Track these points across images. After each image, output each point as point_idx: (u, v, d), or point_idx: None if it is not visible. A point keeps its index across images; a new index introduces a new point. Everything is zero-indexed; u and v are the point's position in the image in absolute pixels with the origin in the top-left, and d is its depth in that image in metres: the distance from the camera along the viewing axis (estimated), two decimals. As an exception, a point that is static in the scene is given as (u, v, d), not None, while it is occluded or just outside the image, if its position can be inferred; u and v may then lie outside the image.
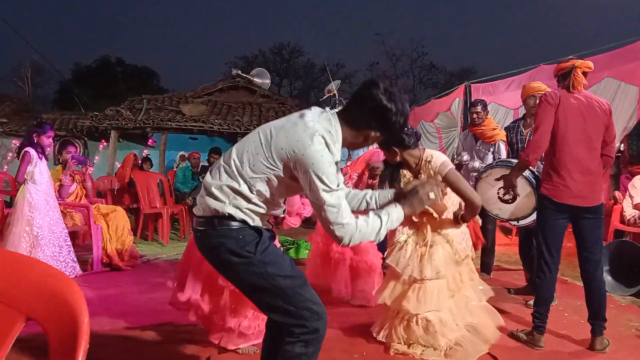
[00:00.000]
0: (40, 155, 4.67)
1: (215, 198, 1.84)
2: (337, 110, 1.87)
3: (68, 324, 0.98)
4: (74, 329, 0.97)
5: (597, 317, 3.06)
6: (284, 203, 2.09)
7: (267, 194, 1.83)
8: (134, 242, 5.54)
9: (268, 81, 13.13)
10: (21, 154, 4.59)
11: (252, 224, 1.85)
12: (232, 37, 66.95)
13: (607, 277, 4.31)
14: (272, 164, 1.78)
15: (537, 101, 3.98)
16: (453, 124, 11.35)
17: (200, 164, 8.10)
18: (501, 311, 3.78)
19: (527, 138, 4.12)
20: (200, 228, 1.90)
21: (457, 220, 2.86)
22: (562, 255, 3.19)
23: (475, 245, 3.39)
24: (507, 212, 3.71)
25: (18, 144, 4.95)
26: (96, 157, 12.00)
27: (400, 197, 2.01)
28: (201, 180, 7.67)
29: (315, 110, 1.85)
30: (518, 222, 3.78)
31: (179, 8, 75.63)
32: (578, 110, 3.00)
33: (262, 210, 1.86)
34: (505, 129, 4.56)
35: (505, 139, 4.58)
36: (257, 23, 68.19)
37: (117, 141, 10.60)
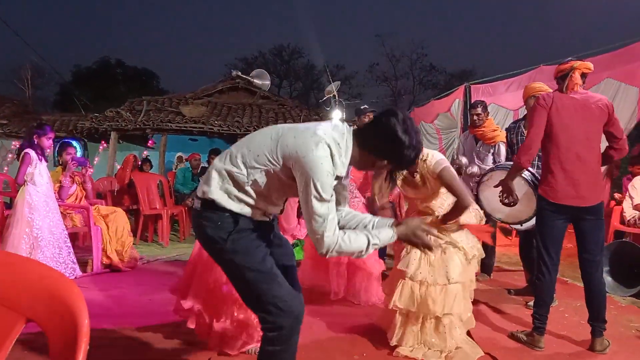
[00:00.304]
0: (40, 156, 4.67)
1: (210, 181, 1.92)
2: (353, 127, 1.89)
3: (68, 326, 0.98)
4: (74, 330, 0.97)
5: (597, 318, 3.06)
6: (284, 204, 2.09)
7: (262, 187, 1.87)
8: (133, 244, 5.53)
9: (268, 82, 13.14)
10: (21, 156, 4.59)
11: (236, 211, 1.89)
12: (231, 38, 67.08)
13: (607, 278, 4.31)
14: (274, 159, 1.81)
15: None
16: (453, 125, 11.35)
17: (200, 165, 8.10)
18: (501, 312, 3.80)
19: (527, 139, 4.12)
20: (194, 207, 2.02)
21: (443, 220, 2.88)
22: (562, 256, 3.19)
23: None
24: (510, 216, 3.70)
25: (18, 145, 4.95)
26: (96, 159, 12.00)
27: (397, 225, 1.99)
28: (200, 181, 7.67)
29: (332, 122, 1.89)
30: (522, 225, 3.77)
31: (178, 9, 75.72)
32: (573, 110, 3.00)
33: (251, 202, 1.89)
34: (506, 130, 4.56)
35: (505, 140, 4.57)
36: (256, 24, 68.26)
37: (117, 142, 10.60)
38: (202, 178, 2.01)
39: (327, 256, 1.82)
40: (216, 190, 1.89)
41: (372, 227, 1.96)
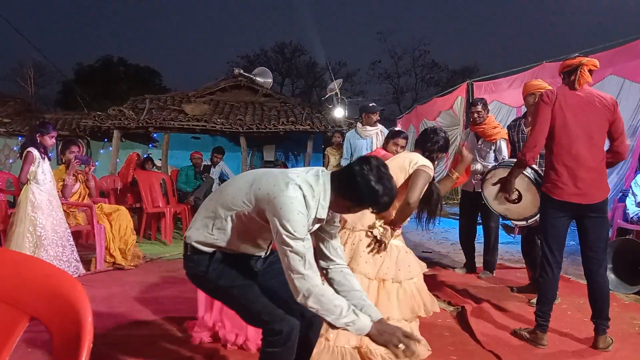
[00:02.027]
0: (43, 155, 4.69)
1: (193, 225, 2.05)
2: (330, 172, 1.94)
3: (71, 324, 0.98)
4: (78, 328, 0.97)
5: (600, 315, 3.06)
6: (268, 247, 2.13)
7: (239, 229, 1.94)
8: (137, 242, 5.55)
9: (270, 80, 13.16)
10: (24, 154, 4.60)
11: (213, 251, 1.99)
12: (234, 36, 66.97)
13: (610, 275, 4.30)
14: (248, 201, 1.88)
15: (537, 99, 3.99)
16: (455, 122, 11.34)
17: (203, 164, 8.11)
18: (504, 310, 3.80)
19: (528, 136, 4.11)
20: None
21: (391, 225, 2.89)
22: (565, 253, 3.18)
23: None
24: (514, 213, 3.70)
25: (21, 144, 4.96)
26: (99, 157, 12.02)
27: (380, 322, 1.90)
28: (203, 179, 7.68)
29: (306, 168, 1.95)
30: (527, 222, 3.77)
31: (181, 7, 75.67)
32: (577, 107, 2.98)
33: (225, 238, 1.96)
34: (507, 127, 4.55)
35: (506, 137, 4.57)
36: (258, 22, 68.17)
37: (120, 141, 10.62)
38: (191, 222, 2.09)
39: (303, 302, 1.78)
40: (196, 234, 2.00)
41: (357, 307, 1.89)
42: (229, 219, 1.93)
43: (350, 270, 2.11)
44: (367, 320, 1.80)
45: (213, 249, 1.99)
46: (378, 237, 2.85)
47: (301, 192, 1.80)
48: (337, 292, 1.92)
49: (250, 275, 2.04)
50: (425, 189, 2.88)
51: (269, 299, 1.98)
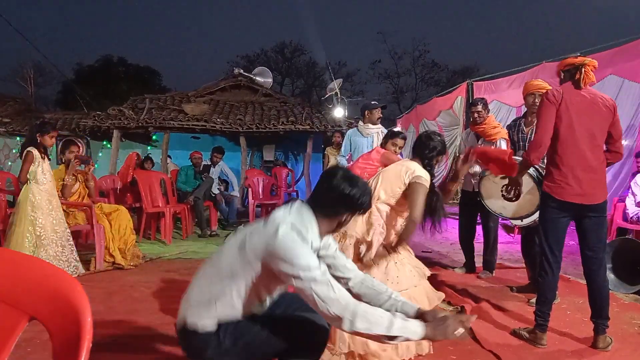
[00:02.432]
0: (43, 154, 4.69)
1: (188, 311, 1.91)
2: (305, 200, 1.94)
3: (71, 323, 0.99)
4: (77, 328, 0.97)
5: (600, 315, 3.06)
6: (270, 298, 2.03)
7: (246, 294, 1.85)
8: (136, 242, 5.55)
9: (270, 80, 13.17)
10: (24, 154, 4.60)
11: (215, 328, 1.86)
12: (233, 36, 67.00)
13: (610, 275, 4.30)
14: (249, 265, 1.82)
15: (536, 99, 3.99)
16: (455, 122, 11.34)
17: (203, 163, 8.12)
18: (503, 309, 3.80)
19: (528, 136, 4.12)
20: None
21: (390, 249, 2.86)
22: (564, 253, 3.18)
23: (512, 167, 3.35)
24: (510, 211, 3.71)
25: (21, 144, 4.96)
26: (99, 157, 12.02)
27: (423, 315, 1.84)
28: (203, 179, 7.67)
29: (282, 207, 1.93)
30: (522, 221, 3.77)
31: (180, 7, 75.68)
32: (581, 108, 2.98)
33: (232, 312, 1.87)
34: (507, 127, 4.55)
35: (506, 137, 4.57)
36: (258, 22, 68.18)
37: (120, 141, 10.62)
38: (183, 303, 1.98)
39: (350, 329, 1.67)
40: (194, 317, 1.88)
41: (396, 310, 1.84)
42: (234, 292, 1.84)
43: (364, 274, 2.08)
44: (416, 325, 1.70)
45: (217, 325, 1.87)
46: (360, 255, 2.86)
47: (294, 227, 1.80)
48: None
49: (259, 318, 1.95)
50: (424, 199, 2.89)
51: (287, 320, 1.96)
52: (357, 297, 1.92)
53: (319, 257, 1.93)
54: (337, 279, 1.95)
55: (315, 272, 1.71)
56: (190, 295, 1.93)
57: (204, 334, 1.85)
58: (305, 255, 1.74)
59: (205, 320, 1.85)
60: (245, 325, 1.90)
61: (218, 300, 1.84)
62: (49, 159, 4.81)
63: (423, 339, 1.73)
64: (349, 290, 1.93)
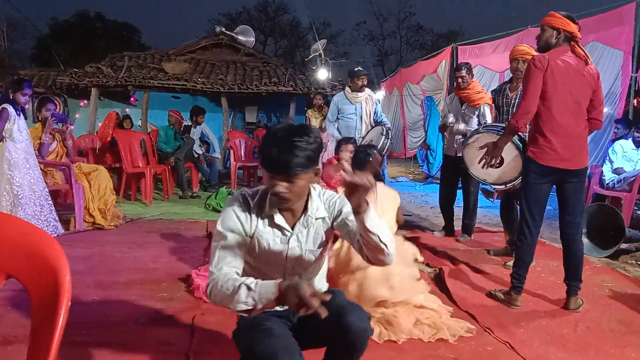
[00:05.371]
0: (19, 112, 4.56)
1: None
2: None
3: (49, 282, 0.98)
4: (56, 286, 0.96)
5: (573, 278, 3.15)
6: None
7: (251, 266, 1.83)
8: (116, 202, 5.50)
9: (252, 39, 12.88)
10: (-1, 111, 4.46)
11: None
12: (215, -7, 65.06)
13: (584, 239, 4.40)
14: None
15: (520, 64, 3.98)
16: (439, 86, 11.31)
17: (183, 124, 7.99)
18: (480, 271, 3.88)
19: (513, 101, 4.12)
20: None
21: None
22: (541, 217, 3.24)
23: None
24: (494, 177, 3.74)
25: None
26: (77, 115, 11.75)
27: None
28: (184, 140, 7.57)
29: None
30: (505, 186, 3.81)
31: (160, -39, 72.89)
32: (566, 74, 2.98)
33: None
34: (492, 92, 4.55)
35: (490, 102, 4.57)
36: (241, -21, 66.17)
37: (98, 99, 10.38)
38: None
39: (210, 298, 1.67)
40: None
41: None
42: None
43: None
44: (268, 284, 1.53)
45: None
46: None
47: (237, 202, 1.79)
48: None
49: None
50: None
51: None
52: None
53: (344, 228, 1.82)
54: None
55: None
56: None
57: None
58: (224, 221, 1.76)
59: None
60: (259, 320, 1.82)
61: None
62: (25, 117, 4.69)
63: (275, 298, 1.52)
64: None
